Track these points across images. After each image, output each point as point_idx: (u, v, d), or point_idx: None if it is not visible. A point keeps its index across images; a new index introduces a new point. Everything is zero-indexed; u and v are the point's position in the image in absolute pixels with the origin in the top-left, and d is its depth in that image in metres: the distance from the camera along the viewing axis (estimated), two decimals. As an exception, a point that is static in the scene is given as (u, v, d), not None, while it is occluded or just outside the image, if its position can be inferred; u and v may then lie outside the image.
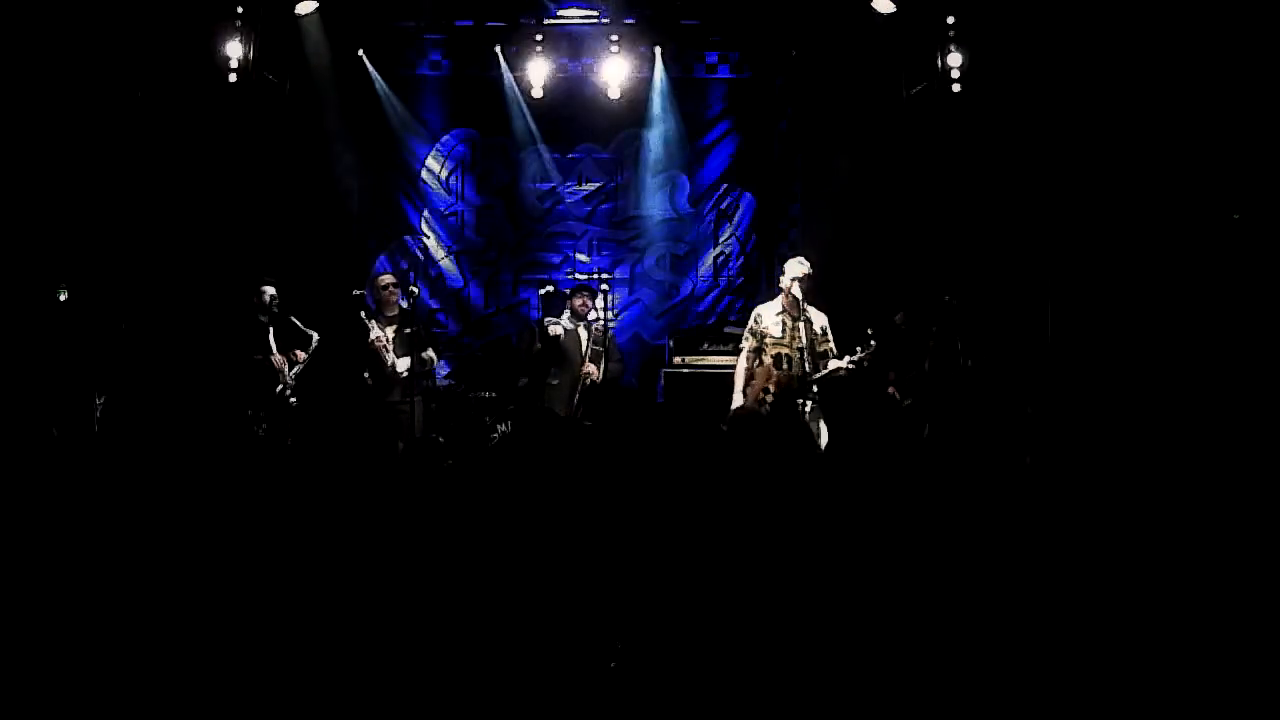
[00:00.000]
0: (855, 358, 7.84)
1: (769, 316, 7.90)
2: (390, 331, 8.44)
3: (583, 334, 8.72)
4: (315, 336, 8.40)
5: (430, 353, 8.62)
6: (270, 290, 8.40)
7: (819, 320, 7.94)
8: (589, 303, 8.70)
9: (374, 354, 8.42)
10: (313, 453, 4.62)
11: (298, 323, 8.43)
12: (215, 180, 9.70)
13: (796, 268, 7.97)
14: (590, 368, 8.53)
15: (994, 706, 3.29)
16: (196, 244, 9.60)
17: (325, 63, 10.08)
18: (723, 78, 10.58)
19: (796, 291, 7.84)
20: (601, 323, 8.69)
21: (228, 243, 9.67)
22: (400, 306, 8.55)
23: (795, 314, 7.83)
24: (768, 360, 7.88)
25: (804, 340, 7.78)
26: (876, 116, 10.07)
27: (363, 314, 8.68)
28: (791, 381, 7.77)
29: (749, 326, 7.93)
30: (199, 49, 9.32)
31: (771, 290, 8.55)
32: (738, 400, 7.81)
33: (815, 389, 7.83)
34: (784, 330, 7.86)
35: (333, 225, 10.39)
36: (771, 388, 7.83)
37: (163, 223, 9.54)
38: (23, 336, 8.81)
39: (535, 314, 9.49)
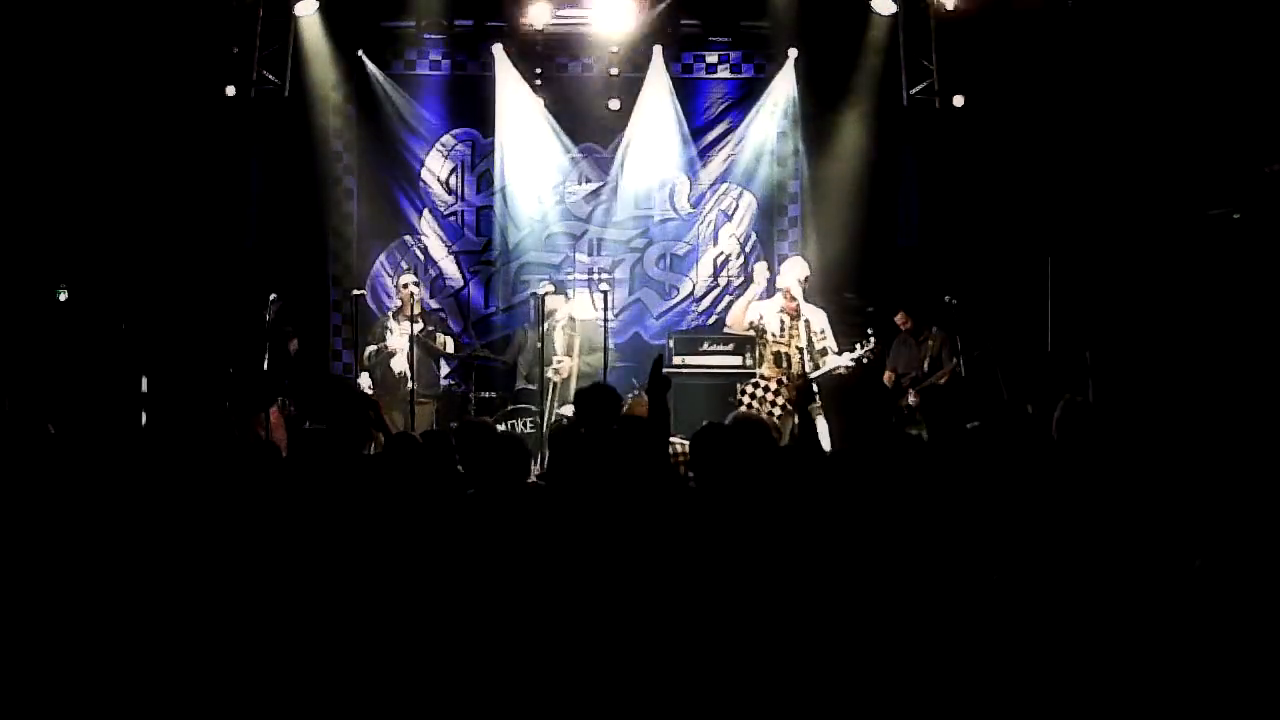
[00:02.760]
0: (855, 355, 7.87)
1: (770, 315, 7.92)
2: (409, 332, 8.51)
3: (558, 334, 8.87)
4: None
5: (449, 344, 9.11)
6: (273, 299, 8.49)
7: (817, 319, 7.97)
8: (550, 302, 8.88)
9: (383, 358, 8.56)
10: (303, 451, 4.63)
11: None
12: (214, 180, 9.70)
13: (797, 268, 7.98)
14: (563, 365, 8.68)
15: (996, 706, 3.28)
16: (196, 245, 9.60)
17: (325, 63, 10.07)
18: (723, 77, 10.56)
19: (796, 292, 7.86)
20: (566, 321, 8.82)
21: (226, 244, 9.67)
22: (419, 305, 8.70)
23: (794, 313, 7.86)
24: (768, 358, 7.90)
25: (803, 339, 7.82)
26: (877, 116, 10.07)
27: (389, 314, 8.81)
28: (794, 384, 7.79)
29: (751, 321, 7.99)
30: (199, 49, 9.32)
31: (771, 292, 8.56)
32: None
33: (815, 388, 7.85)
34: (783, 329, 7.88)
35: (332, 226, 10.41)
36: (776, 386, 7.84)
37: (162, 223, 9.54)
38: (23, 336, 8.81)
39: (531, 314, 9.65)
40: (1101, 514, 3.98)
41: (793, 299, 7.91)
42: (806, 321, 7.89)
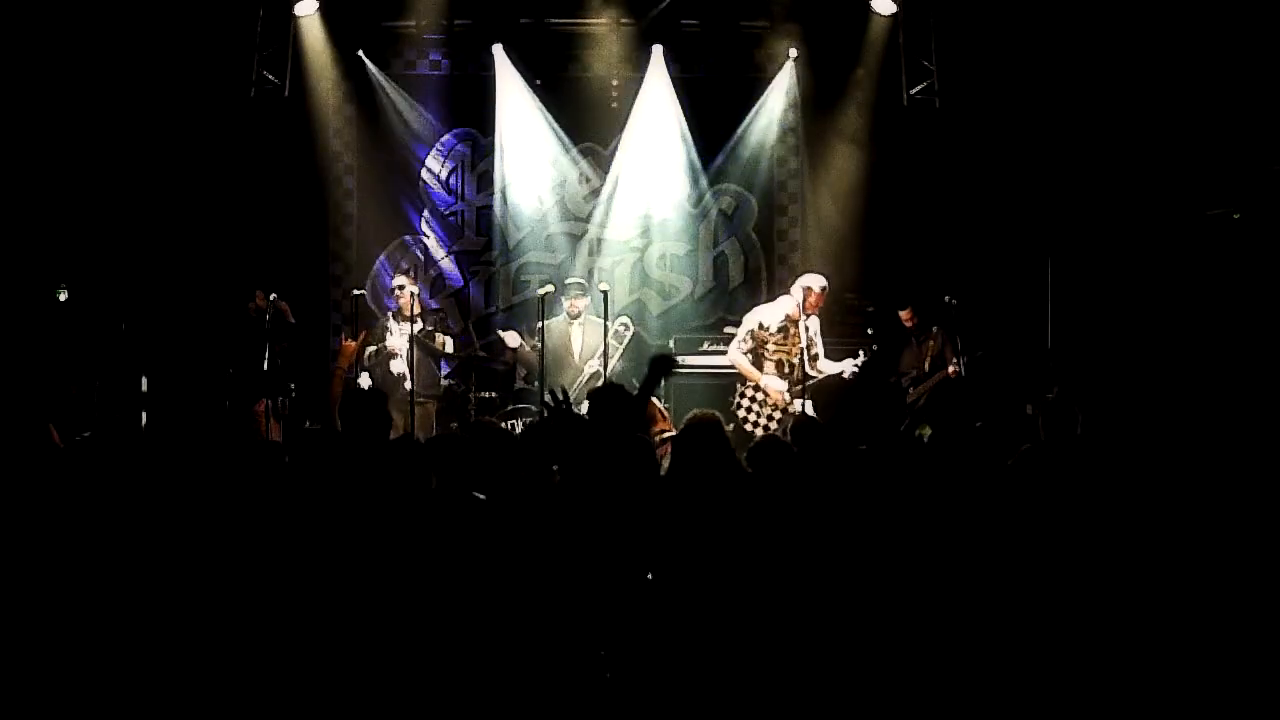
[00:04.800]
0: (859, 362, 7.90)
1: (774, 323, 7.90)
2: (406, 332, 8.50)
3: (575, 333, 8.83)
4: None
5: (448, 344, 9.02)
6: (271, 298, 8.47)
7: (813, 325, 8.04)
8: (576, 303, 8.84)
9: (383, 359, 8.54)
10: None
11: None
12: (214, 181, 9.70)
13: (816, 284, 7.95)
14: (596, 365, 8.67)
15: (994, 705, 3.29)
16: (196, 245, 9.61)
17: (325, 63, 10.08)
18: (722, 77, 10.56)
19: (809, 306, 7.91)
20: (603, 322, 8.76)
21: (226, 244, 9.68)
22: (420, 306, 8.67)
23: (797, 320, 7.91)
24: (770, 367, 7.90)
25: (803, 344, 7.89)
26: (877, 116, 10.07)
27: (389, 315, 8.81)
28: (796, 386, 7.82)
29: (750, 329, 7.93)
30: (198, 50, 9.32)
31: (772, 291, 8.57)
32: (773, 383, 7.79)
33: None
34: (787, 336, 7.90)
35: (332, 226, 10.41)
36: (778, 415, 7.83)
37: (162, 223, 9.55)
38: (23, 336, 8.82)
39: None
40: (1094, 508, 4.00)
41: (801, 309, 7.96)
42: (805, 327, 7.96)
